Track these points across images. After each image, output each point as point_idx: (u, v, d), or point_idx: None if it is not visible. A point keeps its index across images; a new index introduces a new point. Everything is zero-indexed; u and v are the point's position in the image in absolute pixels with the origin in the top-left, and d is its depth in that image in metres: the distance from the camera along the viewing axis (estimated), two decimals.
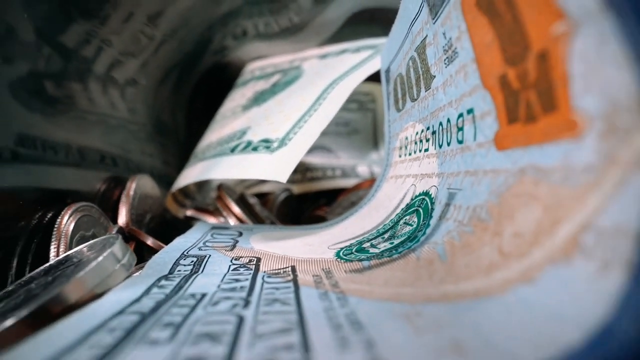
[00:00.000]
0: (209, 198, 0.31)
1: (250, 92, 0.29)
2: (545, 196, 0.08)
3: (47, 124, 0.22)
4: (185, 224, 0.25)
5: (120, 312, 0.09)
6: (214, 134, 0.27)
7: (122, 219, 0.20)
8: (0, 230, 0.16)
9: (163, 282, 0.11)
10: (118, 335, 0.07)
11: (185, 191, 0.28)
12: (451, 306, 0.08)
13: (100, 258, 0.11)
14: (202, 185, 0.30)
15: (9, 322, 0.09)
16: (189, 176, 0.24)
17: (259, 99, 0.26)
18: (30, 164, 0.20)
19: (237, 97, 0.30)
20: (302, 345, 0.07)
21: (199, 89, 0.35)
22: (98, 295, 0.11)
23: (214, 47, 0.34)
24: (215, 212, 0.24)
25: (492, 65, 0.10)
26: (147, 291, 0.10)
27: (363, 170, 0.32)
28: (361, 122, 0.36)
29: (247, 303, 0.09)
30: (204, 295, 0.10)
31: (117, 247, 0.12)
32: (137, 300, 0.10)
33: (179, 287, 0.11)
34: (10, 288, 0.13)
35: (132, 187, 0.21)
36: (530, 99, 0.08)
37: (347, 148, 0.35)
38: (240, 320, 0.08)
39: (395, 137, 0.19)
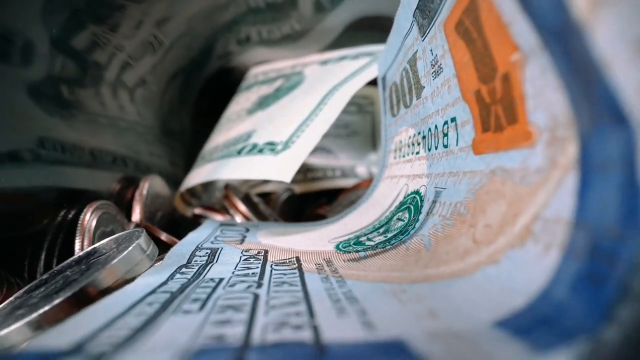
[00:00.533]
0: (214, 197, 0.32)
1: (254, 96, 0.31)
2: (509, 193, 0.09)
3: (64, 126, 0.23)
4: (192, 222, 0.27)
5: (152, 292, 0.10)
6: (220, 136, 0.28)
7: (136, 216, 0.22)
8: (29, 227, 0.18)
9: (183, 269, 0.13)
10: (156, 307, 0.09)
11: (192, 191, 0.30)
12: (431, 285, 0.10)
13: (130, 249, 0.13)
14: (208, 185, 0.32)
15: (56, 301, 0.11)
16: (197, 176, 0.25)
17: (263, 103, 0.28)
18: (50, 165, 0.21)
19: (241, 101, 0.32)
20: (308, 313, 0.08)
21: (204, 92, 0.37)
22: (128, 281, 0.12)
23: (218, 52, 0.36)
24: (222, 210, 0.26)
25: (469, 82, 0.11)
26: (171, 276, 0.12)
27: (362, 170, 0.33)
28: (360, 124, 0.38)
29: (259, 285, 0.11)
30: (221, 280, 0.12)
31: (143, 240, 0.13)
32: (165, 283, 0.11)
33: (198, 274, 0.12)
34: (45, 276, 0.15)
35: (145, 186, 0.23)
36: (498, 112, 0.10)
37: (346, 149, 0.36)
38: (256, 296, 0.10)
39: (390, 140, 0.21)
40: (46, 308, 0.11)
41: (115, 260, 0.12)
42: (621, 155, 0.06)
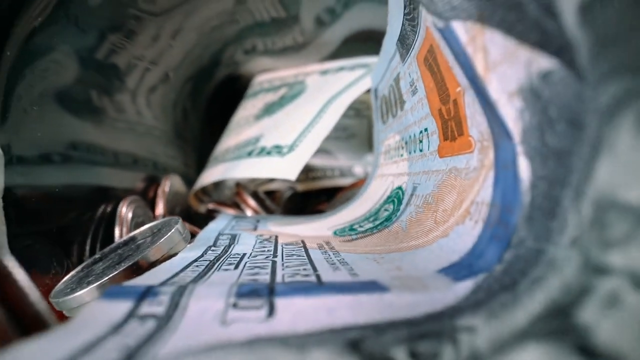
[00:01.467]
0: (223, 195, 0.36)
1: (260, 103, 0.35)
2: (458, 186, 0.13)
3: (94, 131, 0.27)
4: (206, 216, 0.31)
5: (194, 261, 0.14)
6: (230, 139, 0.32)
7: (160, 210, 0.26)
8: (75, 219, 0.22)
9: (212, 248, 0.17)
10: (202, 268, 0.13)
11: (204, 189, 0.34)
12: (401, 253, 0.14)
13: (171, 232, 0.16)
14: (218, 184, 0.36)
15: (120, 269, 0.15)
16: (211, 175, 0.29)
17: (269, 110, 0.32)
18: (84, 165, 0.25)
19: (248, 107, 0.36)
20: (312, 269, 0.12)
21: (213, 98, 0.41)
22: (170, 256, 0.16)
23: (226, 61, 0.40)
24: (233, 206, 0.29)
25: (434, 102, 0.15)
26: (204, 252, 0.16)
27: (359, 170, 0.37)
28: (358, 128, 0.42)
29: (274, 256, 0.15)
30: (244, 254, 0.15)
31: (180, 226, 0.17)
32: (201, 256, 0.15)
33: (225, 251, 0.16)
34: (98, 256, 0.18)
35: (166, 184, 0.27)
36: (452, 126, 0.14)
37: (345, 151, 0.40)
38: (273, 262, 0.14)
39: (381, 143, 0.25)
40: (113, 273, 0.15)
41: (161, 241, 0.16)
42: (511, 159, 0.10)
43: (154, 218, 0.25)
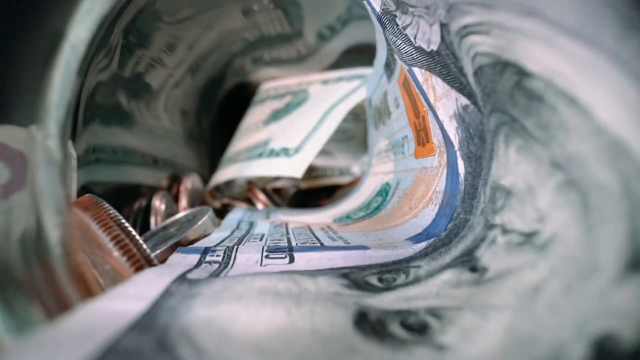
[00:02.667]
0: (233, 192, 0.41)
1: (267, 109, 0.40)
2: (426, 180, 0.18)
3: (124, 134, 0.32)
4: (221, 211, 0.36)
5: (226, 238, 0.19)
6: (241, 142, 0.37)
7: (183, 204, 0.31)
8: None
9: (237, 230, 0.22)
10: (235, 240, 0.18)
11: (217, 187, 0.39)
12: (383, 231, 0.19)
13: (205, 217, 0.21)
14: (229, 182, 0.41)
15: (167, 245, 0.20)
16: (226, 174, 0.34)
17: (276, 116, 0.37)
18: (115, 165, 0.30)
19: (256, 113, 0.41)
20: (317, 240, 0.17)
21: (223, 104, 0.46)
22: (204, 236, 0.21)
23: (236, 70, 0.45)
24: (245, 201, 0.34)
25: (410, 116, 0.20)
26: (232, 233, 0.21)
27: (356, 169, 0.42)
28: (356, 130, 0.47)
29: (287, 234, 0.20)
30: (263, 234, 0.20)
31: (210, 213, 0.22)
32: (230, 235, 0.20)
33: (247, 232, 0.21)
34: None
35: (188, 182, 0.32)
36: (422, 135, 0.19)
37: (344, 152, 0.45)
38: (288, 238, 0.19)
39: (374, 146, 0.30)
40: (164, 248, 0.20)
41: (198, 224, 0.21)
42: (454, 160, 0.15)
43: (178, 211, 0.30)
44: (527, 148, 0.10)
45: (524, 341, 0.07)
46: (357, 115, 0.47)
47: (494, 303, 0.09)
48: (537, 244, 0.09)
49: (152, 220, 0.26)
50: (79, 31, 0.12)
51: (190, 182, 0.32)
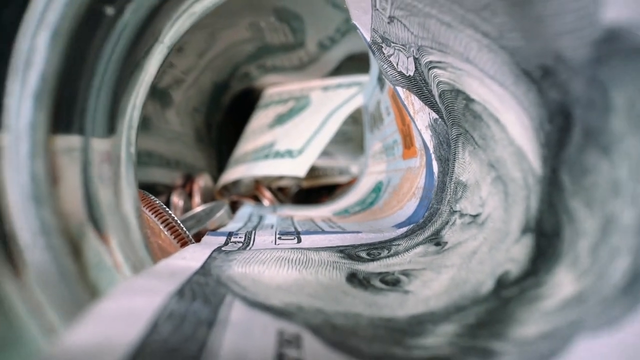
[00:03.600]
0: (240, 190, 0.45)
1: (272, 113, 0.44)
2: (410, 177, 0.22)
3: (142, 137, 0.36)
4: (230, 207, 0.40)
5: (241, 227, 0.23)
6: (248, 144, 0.41)
7: (197, 200, 0.35)
8: None
9: (249, 222, 0.26)
10: (250, 228, 0.22)
11: (225, 186, 0.43)
12: (375, 221, 0.22)
13: (222, 211, 0.25)
14: (236, 181, 0.45)
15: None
16: (234, 173, 0.38)
17: (280, 120, 0.41)
18: (141, 166, 0.34)
19: (261, 117, 0.45)
20: (318, 227, 0.21)
21: (229, 107, 0.50)
22: (221, 226, 0.25)
23: (241, 76, 0.49)
24: (252, 198, 0.38)
25: (399, 123, 0.24)
26: (245, 224, 0.25)
27: (355, 169, 0.46)
28: (354, 133, 0.51)
29: (293, 224, 0.24)
30: (273, 224, 0.24)
31: (227, 207, 0.26)
32: (244, 225, 0.24)
33: (258, 222, 0.25)
34: None
35: (200, 180, 0.36)
36: (407, 140, 0.23)
37: (343, 153, 0.49)
38: (294, 227, 0.22)
39: (370, 149, 0.34)
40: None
41: (217, 216, 0.25)
42: (430, 162, 0.19)
43: (192, 207, 0.34)
44: (475, 153, 0.14)
45: (459, 284, 0.11)
46: (355, 118, 0.51)
47: (446, 264, 0.13)
48: (478, 222, 0.13)
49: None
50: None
51: (203, 180, 0.36)
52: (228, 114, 0.50)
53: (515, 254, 0.11)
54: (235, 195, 0.39)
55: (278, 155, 0.35)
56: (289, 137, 0.37)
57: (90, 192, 0.09)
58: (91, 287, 0.09)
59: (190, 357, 0.07)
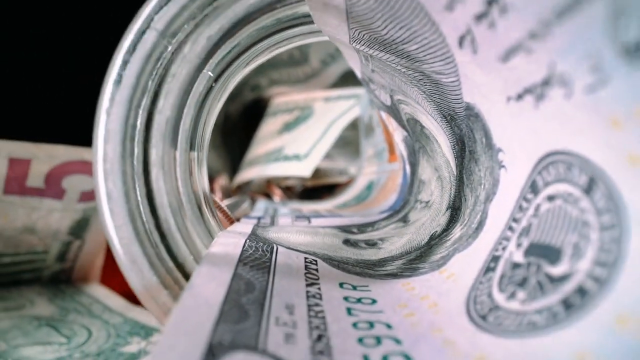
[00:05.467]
0: (252, 189, 0.53)
1: (280, 121, 0.52)
2: (393, 177, 0.31)
3: None
4: None
5: (264, 215, 0.31)
6: (259, 148, 0.50)
7: (219, 196, 0.43)
8: None
9: (267, 212, 0.34)
10: (270, 215, 0.30)
11: (239, 185, 0.51)
12: (365, 210, 0.31)
13: (246, 204, 0.34)
14: (248, 181, 0.53)
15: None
16: (249, 174, 0.46)
17: (288, 127, 0.49)
18: None
19: (270, 124, 0.53)
20: (319, 214, 0.29)
21: (241, 115, 0.58)
22: (245, 215, 0.33)
23: (252, 86, 0.57)
24: (263, 195, 0.47)
25: (385, 134, 0.32)
26: (265, 213, 0.33)
27: (353, 170, 0.54)
28: (352, 138, 0.59)
29: (303, 213, 0.32)
30: (287, 213, 0.32)
31: (249, 200, 0.34)
32: (265, 214, 0.32)
33: (274, 213, 0.33)
34: None
35: (221, 179, 0.44)
36: (391, 147, 0.31)
37: (342, 155, 0.57)
38: (304, 214, 0.31)
39: (364, 153, 0.42)
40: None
41: (242, 208, 0.33)
42: (404, 165, 0.27)
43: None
44: (428, 160, 0.22)
45: (411, 241, 0.20)
46: (354, 125, 0.59)
47: (406, 232, 0.21)
48: (428, 206, 0.22)
49: None
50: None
51: (222, 180, 0.44)
52: (239, 121, 0.58)
53: (441, 221, 0.19)
54: (250, 193, 0.48)
55: (287, 158, 0.43)
56: (296, 142, 0.45)
57: (194, 181, 0.17)
58: (208, 228, 0.17)
59: (264, 261, 0.15)
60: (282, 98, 0.57)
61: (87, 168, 0.33)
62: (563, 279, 0.10)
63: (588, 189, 0.10)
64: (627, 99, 0.08)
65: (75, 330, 0.32)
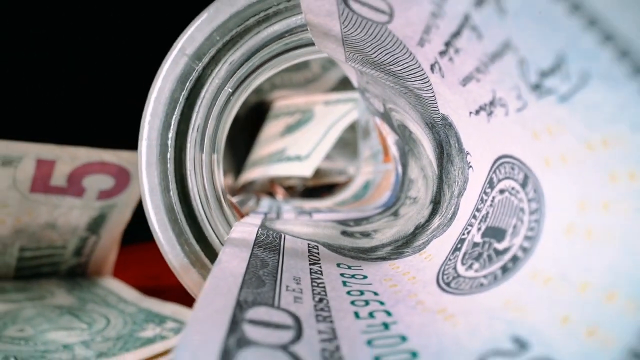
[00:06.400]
0: (255, 188, 0.57)
1: (282, 124, 0.55)
2: (387, 177, 0.34)
3: None
4: None
5: (269, 211, 0.35)
6: (263, 150, 0.53)
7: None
8: None
9: (272, 210, 0.37)
10: (275, 211, 0.34)
11: (243, 184, 0.54)
12: (362, 206, 0.34)
13: (252, 201, 0.37)
14: (252, 181, 0.56)
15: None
16: (253, 174, 0.50)
17: (290, 130, 0.53)
18: None
19: (272, 126, 0.57)
20: (319, 210, 0.33)
21: (244, 117, 0.62)
22: (252, 211, 0.37)
23: (255, 90, 0.61)
24: (267, 194, 0.50)
25: (380, 137, 0.36)
26: (270, 209, 0.37)
27: (351, 170, 0.58)
28: (351, 139, 0.62)
29: (305, 210, 0.35)
30: (290, 209, 0.36)
31: (255, 198, 0.38)
32: (269, 211, 0.36)
33: (277, 214, 0.37)
34: None
35: (225, 179, 0.48)
36: (386, 149, 0.35)
37: (341, 156, 0.61)
38: (306, 210, 0.34)
39: (362, 154, 0.46)
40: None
41: (248, 204, 0.37)
42: (396, 166, 0.31)
43: None
44: (415, 161, 0.26)
45: (399, 232, 0.23)
46: (352, 127, 0.63)
47: (396, 224, 0.25)
48: (415, 201, 0.25)
49: None
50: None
51: (228, 179, 0.48)
52: (243, 123, 0.62)
53: (424, 214, 0.22)
54: (255, 191, 0.51)
55: (289, 159, 0.47)
56: (297, 144, 0.49)
57: (215, 178, 0.21)
58: (226, 218, 0.20)
59: (275, 245, 0.18)
60: (284, 101, 0.60)
61: (105, 168, 0.36)
62: (504, 251, 0.13)
63: (524, 184, 0.13)
64: (540, 118, 0.11)
65: (94, 318, 0.36)
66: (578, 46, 0.08)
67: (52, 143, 0.34)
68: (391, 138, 0.30)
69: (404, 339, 0.12)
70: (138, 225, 0.43)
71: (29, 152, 0.33)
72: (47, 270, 0.43)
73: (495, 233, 0.14)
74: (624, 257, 0.09)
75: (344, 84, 0.57)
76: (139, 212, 0.42)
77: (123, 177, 0.39)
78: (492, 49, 0.11)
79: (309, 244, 0.20)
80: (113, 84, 0.68)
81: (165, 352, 0.30)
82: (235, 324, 0.11)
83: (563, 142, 0.11)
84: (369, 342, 0.12)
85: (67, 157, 0.35)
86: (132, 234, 0.46)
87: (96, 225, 0.41)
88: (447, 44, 0.13)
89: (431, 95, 0.18)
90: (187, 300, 0.38)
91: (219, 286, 0.14)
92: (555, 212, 0.12)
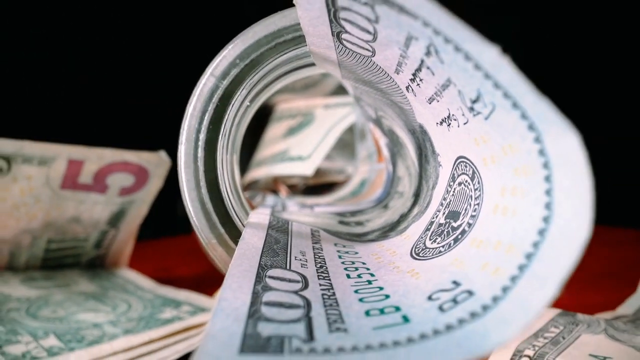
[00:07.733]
0: (259, 186, 0.62)
1: (284, 126, 0.61)
2: (380, 175, 0.39)
3: None
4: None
5: (275, 205, 0.40)
6: (266, 151, 0.58)
7: None
8: None
9: (277, 204, 0.43)
10: (280, 207, 0.39)
11: (248, 183, 0.60)
12: (358, 202, 0.40)
13: (259, 197, 0.42)
14: (256, 180, 0.62)
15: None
16: (257, 173, 0.55)
17: (292, 132, 0.58)
18: None
19: (275, 128, 0.62)
20: (320, 205, 0.38)
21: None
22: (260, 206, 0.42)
23: None
24: (271, 191, 0.55)
25: (374, 139, 0.41)
26: (275, 204, 0.42)
27: (350, 169, 0.63)
28: (350, 140, 0.68)
29: (307, 205, 0.41)
30: (293, 204, 0.41)
31: (262, 194, 0.43)
32: (275, 205, 0.41)
33: (282, 207, 0.42)
34: None
35: None
36: (379, 150, 0.40)
37: (340, 156, 0.66)
38: (309, 205, 0.39)
39: (359, 155, 0.51)
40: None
41: (256, 200, 0.42)
42: (387, 165, 0.36)
43: None
44: (402, 161, 0.31)
45: (387, 220, 0.28)
46: (351, 129, 0.68)
47: (385, 215, 0.30)
48: (402, 195, 0.30)
49: None
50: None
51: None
52: (248, 126, 0.67)
53: (407, 205, 0.28)
54: (260, 189, 0.56)
55: (291, 159, 0.52)
56: (299, 145, 0.54)
57: (234, 175, 0.26)
58: (244, 208, 0.26)
59: (284, 229, 0.24)
60: (286, 105, 0.66)
61: (127, 167, 0.42)
62: (457, 227, 0.19)
63: (472, 178, 0.19)
64: (477, 130, 0.17)
65: (116, 302, 0.41)
66: (484, 87, 0.13)
67: (53, 142, 0.39)
68: (383, 141, 0.35)
69: (381, 288, 0.17)
70: (149, 223, 0.49)
71: (62, 153, 0.38)
72: (70, 261, 0.48)
73: (453, 215, 0.20)
74: (518, 224, 0.14)
75: (342, 88, 0.62)
76: (150, 212, 0.47)
77: (142, 175, 0.44)
78: (441, 82, 0.17)
79: (311, 228, 0.25)
80: (113, 84, 0.73)
81: (183, 330, 0.35)
82: (259, 277, 0.17)
83: (490, 147, 0.16)
84: (356, 291, 0.17)
85: (94, 157, 0.40)
86: (144, 231, 0.51)
87: (116, 219, 0.46)
88: (414, 75, 0.18)
89: (409, 108, 0.23)
90: (196, 288, 0.43)
91: (245, 254, 0.19)
92: (488, 197, 0.17)
